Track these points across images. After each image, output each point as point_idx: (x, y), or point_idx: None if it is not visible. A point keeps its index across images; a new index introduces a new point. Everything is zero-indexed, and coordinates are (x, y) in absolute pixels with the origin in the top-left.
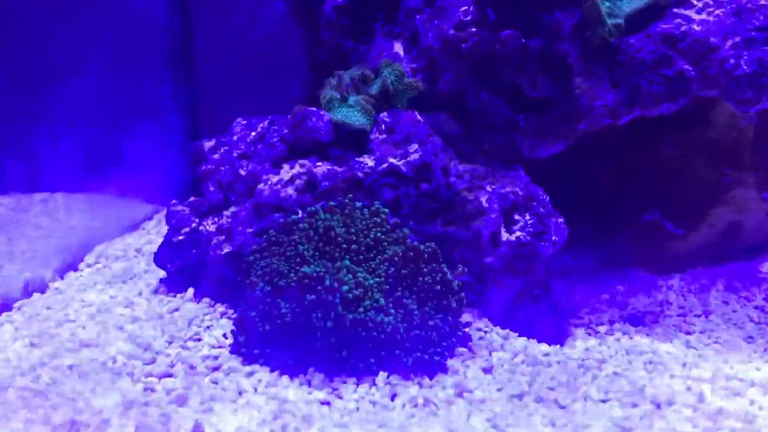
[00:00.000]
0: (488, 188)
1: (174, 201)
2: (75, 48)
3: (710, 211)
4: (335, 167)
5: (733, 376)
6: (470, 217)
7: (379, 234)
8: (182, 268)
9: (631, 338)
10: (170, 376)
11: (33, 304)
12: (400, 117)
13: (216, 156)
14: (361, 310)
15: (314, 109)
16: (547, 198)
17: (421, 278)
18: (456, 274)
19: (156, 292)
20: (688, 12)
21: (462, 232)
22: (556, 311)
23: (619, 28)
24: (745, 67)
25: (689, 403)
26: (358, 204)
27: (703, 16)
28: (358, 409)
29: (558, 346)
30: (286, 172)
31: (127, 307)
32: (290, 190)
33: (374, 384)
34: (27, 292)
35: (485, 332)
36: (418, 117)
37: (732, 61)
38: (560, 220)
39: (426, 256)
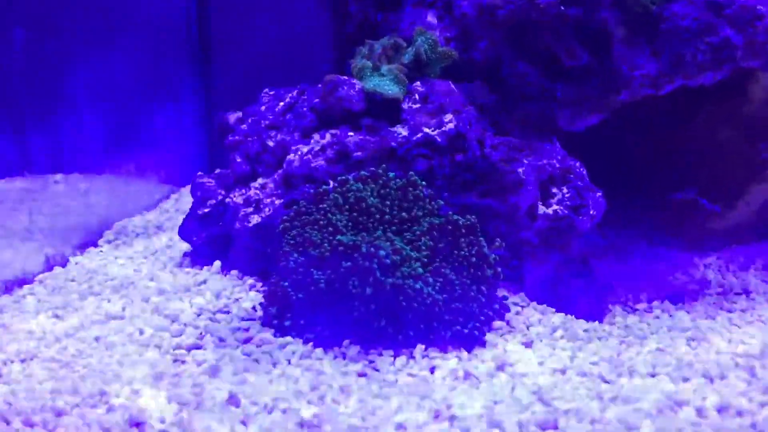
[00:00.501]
0: (525, 160)
1: (200, 173)
2: (97, 30)
3: (747, 188)
4: (367, 137)
5: None
6: (507, 189)
7: (413, 205)
8: (208, 240)
9: (671, 316)
10: (200, 348)
11: (55, 277)
12: (434, 86)
13: (243, 126)
14: (399, 275)
15: (345, 77)
16: (585, 171)
17: (457, 251)
18: (493, 248)
19: (181, 265)
20: None
21: (498, 205)
22: (593, 288)
23: None
24: None
25: (742, 377)
26: (392, 174)
27: None
28: (396, 381)
29: (597, 322)
30: (316, 142)
31: (152, 280)
32: (321, 161)
33: (412, 357)
34: (48, 266)
35: (522, 307)
36: (453, 86)
37: None
38: (598, 194)
39: (464, 230)
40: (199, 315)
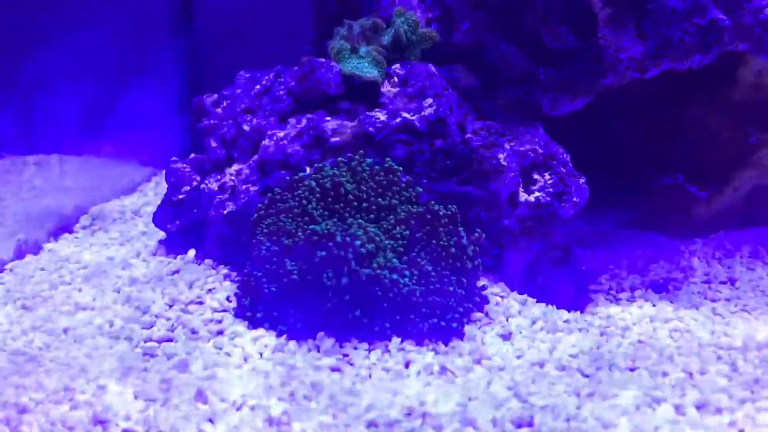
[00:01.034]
0: (506, 146)
1: (174, 158)
2: (71, 6)
3: (734, 174)
4: (345, 122)
5: (765, 344)
6: (487, 175)
7: (391, 192)
8: (183, 228)
9: (654, 305)
10: (171, 340)
11: (26, 266)
12: (414, 69)
13: (218, 110)
14: (375, 265)
15: (323, 60)
16: (568, 157)
17: (436, 241)
18: (473, 239)
19: (155, 253)
20: None
21: (478, 192)
22: (575, 277)
23: None
24: None
25: (723, 372)
26: (369, 160)
27: None
28: (370, 376)
29: (578, 312)
30: (292, 127)
31: (124, 269)
32: (297, 146)
33: (387, 350)
34: (20, 254)
35: (502, 297)
36: (433, 69)
37: None
38: (581, 180)
39: (445, 219)
40: (171, 306)
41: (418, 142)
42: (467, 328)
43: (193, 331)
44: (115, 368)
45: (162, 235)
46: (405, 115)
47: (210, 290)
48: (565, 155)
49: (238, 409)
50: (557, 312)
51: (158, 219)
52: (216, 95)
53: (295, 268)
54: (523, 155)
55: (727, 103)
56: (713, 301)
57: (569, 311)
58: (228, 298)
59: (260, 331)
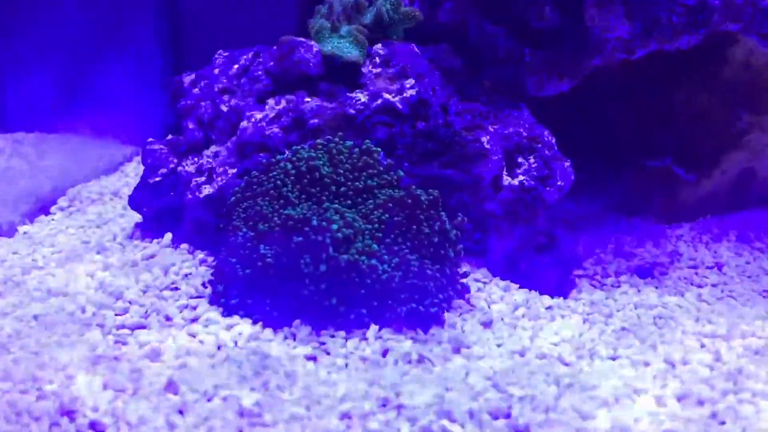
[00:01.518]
0: (490, 128)
1: (151, 139)
2: None
3: (723, 156)
4: (324, 103)
5: (751, 333)
6: (470, 159)
7: (369, 175)
8: (159, 211)
9: (639, 291)
10: (144, 327)
11: None
12: (396, 49)
13: (196, 90)
14: (353, 251)
15: (302, 39)
16: (553, 140)
17: (416, 226)
18: (455, 223)
19: (131, 237)
20: None
21: (461, 176)
22: (559, 261)
23: None
24: None
25: (705, 362)
26: (349, 143)
27: None
28: (347, 365)
29: (561, 298)
30: (271, 109)
31: (99, 253)
32: (275, 128)
33: (365, 338)
34: None
35: (484, 283)
36: (416, 49)
37: None
38: (566, 163)
39: (426, 205)
40: (145, 292)
41: (400, 124)
42: (447, 316)
43: (167, 318)
44: (86, 357)
45: (139, 218)
46: (386, 96)
47: (186, 275)
48: (550, 138)
49: (209, 399)
50: (540, 298)
51: (134, 202)
52: (194, 75)
53: (270, 254)
54: (507, 138)
55: (716, 84)
56: (699, 287)
57: (552, 297)
58: (204, 284)
59: (235, 319)
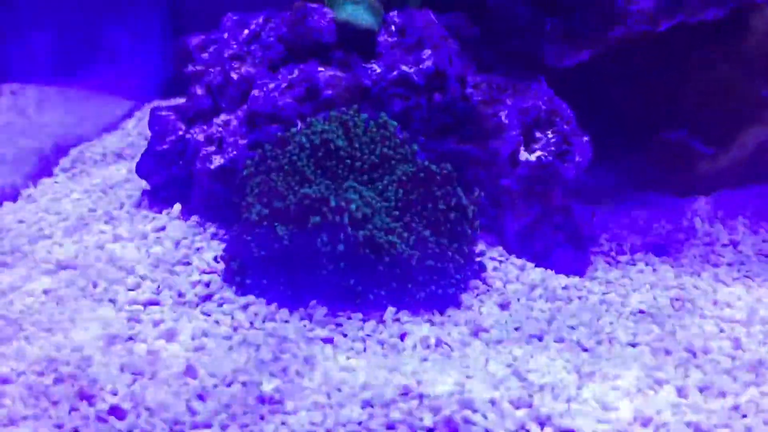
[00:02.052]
0: (508, 101)
1: (157, 103)
2: None
3: (743, 128)
4: (338, 73)
5: None
6: (488, 134)
7: (386, 150)
8: (168, 180)
9: (654, 270)
10: (157, 304)
11: (3, 217)
12: (413, 17)
13: (204, 55)
14: (370, 226)
15: (316, 5)
16: (572, 113)
17: (432, 203)
18: (472, 199)
19: (139, 205)
20: None
21: (478, 151)
22: (575, 239)
23: None
24: None
25: (726, 350)
26: (364, 116)
27: None
28: (365, 350)
29: (577, 277)
30: (283, 78)
31: (107, 223)
32: (288, 99)
33: (382, 321)
34: None
35: (500, 262)
36: (433, 17)
37: None
38: (585, 138)
39: (439, 178)
40: (156, 267)
41: (416, 97)
42: (464, 297)
43: (180, 294)
44: (100, 336)
45: (146, 185)
46: (403, 67)
47: (197, 249)
48: (569, 111)
49: (229, 385)
50: (556, 277)
51: (142, 169)
52: (202, 37)
53: (286, 233)
54: (526, 111)
55: (737, 54)
56: (715, 266)
57: (568, 276)
58: (216, 259)
59: (250, 298)
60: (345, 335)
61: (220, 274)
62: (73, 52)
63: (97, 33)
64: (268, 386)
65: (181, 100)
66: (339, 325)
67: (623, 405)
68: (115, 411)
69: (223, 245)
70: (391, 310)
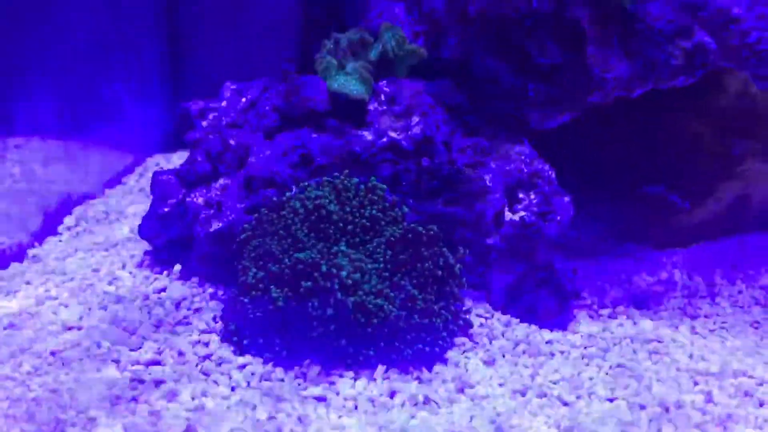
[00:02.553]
0: (492, 164)
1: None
2: None
3: (719, 183)
4: (332, 140)
5: (742, 372)
6: (473, 196)
7: (375, 212)
8: (169, 242)
9: (635, 323)
10: (158, 363)
11: (11, 278)
12: (401, 86)
13: (204, 123)
14: (360, 293)
15: (309, 76)
16: (553, 174)
17: (420, 263)
18: (457, 258)
19: (141, 265)
20: None
21: (464, 212)
22: (559, 294)
23: None
24: None
25: (697, 404)
26: (355, 180)
27: None
28: (356, 407)
29: (560, 332)
30: (278, 145)
31: (110, 283)
32: (283, 165)
33: (373, 379)
34: (4, 262)
35: (486, 318)
36: (420, 86)
37: (755, 33)
38: (566, 198)
39: (426, 239)
40: (158, 327)
41: (405, 161)
42: (451, 354)
43: (180, 354)
44: (104, 396)
45: (148, 245)
46: (392, 134)
47: (197, 310)
48: (550, 172)
49: None
50: (540, 332)
51: (144, 231)
52: (202, 104)
53: (280, 297)
54: (509, 174)
55: (712, 112)
56: (693, 318)
57: (552, 330)
58: (215, 319)
59: (247, 358)
60: (337, 393)
61: (219, 334)
62: (77, 106)
63: (100, 87)
64: None
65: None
66: (332, 383)
67: None
68: None
69: (222, 306)
70: (381, 368)
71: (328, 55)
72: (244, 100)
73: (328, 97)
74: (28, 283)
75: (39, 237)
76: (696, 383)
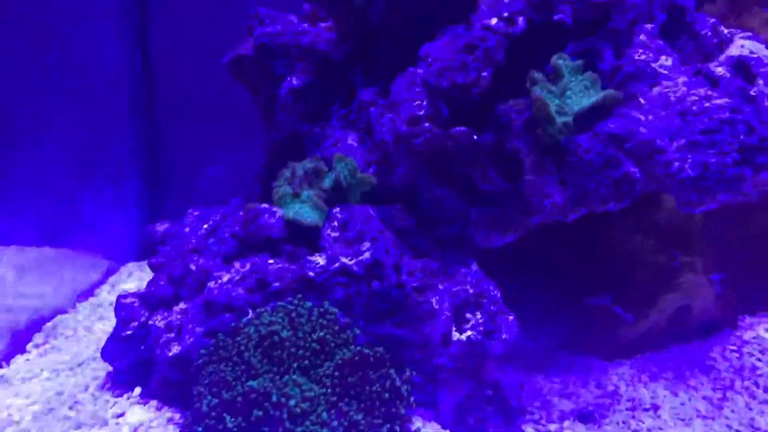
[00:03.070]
0: (440, 286)
1: (123, 292)
2: (33, 105)
3: (660, 296)
4: (287, 265)
5: None
6: (421, 318)
7: (327, 336)
8: (130, 365)
9: None
10: None
11: None
12: (353, 213)
13: (167, 248)
14: (307, 423)
15: (266, 206)
16: (499, 294)
17: (368, 386)
18: (404, 379)
19: (103, 387)
20: (634, 112)
21: (412, 334)
22: (506, 411)
23: (568, 126)
24: (690, 171)
25: None
26: (308, 304)
27: (650, 116)
28: None
29: None
30: (236, 271)
31: (71, 408)
32: (240, 290)
33: None
34: None
35: None
36: (371, 212)
37: (677, 164)
38: (510, 317)
39: (373, 361)
40: None
41: (357, 285)
42: None
43: None
44: None
45: (111, 367)
46: (343, 260)
47: None
48: (495, 292)
49: None
50: None
51: (106, 353)
52: (168, 225)
53: (234, 425)
54: (456, 295)
55: (652, 226)
56: None
57: None
58: None
59: None
60: None
61: None
62: (54, 213)
63: (76, 196)
64: None
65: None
66: None
67: None
68: None
69: (178, 431)
70: None
71: (285, 184)
72: (205, 226)
73: (284, 224)
74: None
75: (7, 357)
76: None
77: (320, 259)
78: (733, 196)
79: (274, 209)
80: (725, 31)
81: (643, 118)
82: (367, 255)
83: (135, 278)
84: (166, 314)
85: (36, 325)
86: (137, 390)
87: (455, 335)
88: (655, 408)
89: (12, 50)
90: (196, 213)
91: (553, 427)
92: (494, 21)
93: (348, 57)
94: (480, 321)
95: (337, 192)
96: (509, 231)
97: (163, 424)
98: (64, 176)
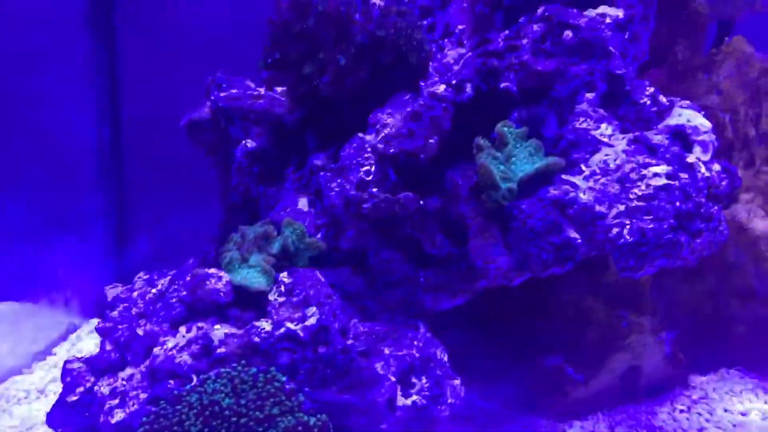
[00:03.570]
0: (386, 351)
1: (71, 357)
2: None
3: (609, 356)
4: (233, 330)
5: None
6: (365, 384)
7: (270, 404)
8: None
9: None
10: None
11: None
12: (300, 277)
13: (114, 314)
14: None
15: (213, 271)
16: (445, 358)
17: None
18: None
19: None
20: (576, 179)
21: (357, 400)
22: None
23: (512, 191)
24: (628, 237)
25: None
26: (253, 370)
27: (590, 183)
28: None
29: None
30: (182, 336)
31: None
32: (185, 356)
33: None
34: None
35: None
36: (319, 276)
37: (616, 230)
38: (456, 381)
39: (316, 430)
40: None
41: (302, 350)
42: None
43: None
44: None
45: None
46: (289, 325)
47: None
48: (442, 355)
49: None
50: None
51: (52, 420)
52: (120, 288)
53: None
54: (402, 359)
55: (601, 287)
56: None
57: None
58: None
59: None
60: None
61: None
62: (18, 267)
63: (41, 251)
64: None
65: None
66: None
67: None
68: None
69: None
70: None
71: (234, 249)
72: (154, 290)
73: (232, 289)
74: None
75: None
76: None
77: (266, 325)
78: (671, 261)
79: (221, 275)
80: (664, 99)
81: (584, 185)
82: (312, 320)
83: (96, 336)
84: (111, 380)
85: None
86: None
87: (401, 400)
88: None
89: None
90: (145, 277)
91: None
92: (441, 88)
93: (301, 121)
94: (426, 386)
95: (285, 256)
96: (457, 294)
97: None
98: (33, 231)
